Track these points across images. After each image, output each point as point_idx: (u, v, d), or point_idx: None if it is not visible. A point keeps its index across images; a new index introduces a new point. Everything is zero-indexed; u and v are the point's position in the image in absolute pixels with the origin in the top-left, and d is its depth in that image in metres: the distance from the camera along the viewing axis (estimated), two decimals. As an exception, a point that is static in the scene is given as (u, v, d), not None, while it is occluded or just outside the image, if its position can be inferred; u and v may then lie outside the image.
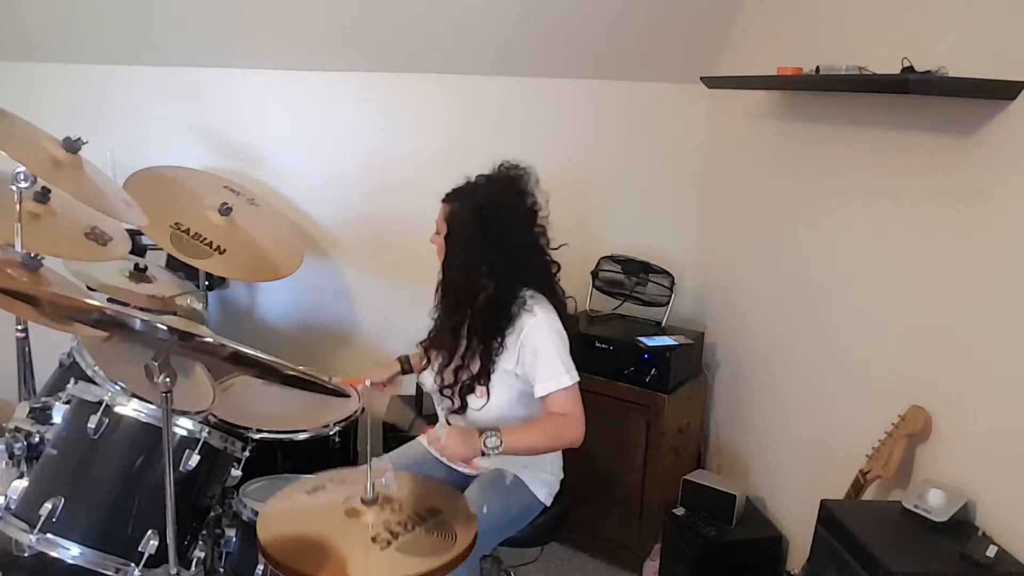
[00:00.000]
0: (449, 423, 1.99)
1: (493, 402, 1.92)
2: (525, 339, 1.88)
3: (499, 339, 1.90)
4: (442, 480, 2.05)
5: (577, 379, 1.89)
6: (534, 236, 1.96)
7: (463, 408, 1.94)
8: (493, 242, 1.87)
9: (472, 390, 1.93)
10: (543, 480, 2.03)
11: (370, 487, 1.50)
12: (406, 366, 2.21)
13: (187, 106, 3.04)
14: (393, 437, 2.53)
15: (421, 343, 2.10)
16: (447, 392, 1.97)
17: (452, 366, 1.97)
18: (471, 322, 1.93)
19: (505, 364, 1.91)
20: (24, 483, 1.84)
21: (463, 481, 2.04)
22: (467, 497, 1.78)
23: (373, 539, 1.43)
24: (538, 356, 1.86)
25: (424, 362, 2.09)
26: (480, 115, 3.04)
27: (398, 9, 2.74)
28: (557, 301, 1.97)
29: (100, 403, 1.83)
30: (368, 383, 2.14)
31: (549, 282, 1.99)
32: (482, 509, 1.83)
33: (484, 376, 1.91)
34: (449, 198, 1.95)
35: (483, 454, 1.78)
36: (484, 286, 1.90)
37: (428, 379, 2.06)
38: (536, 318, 1.89)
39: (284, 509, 1.57)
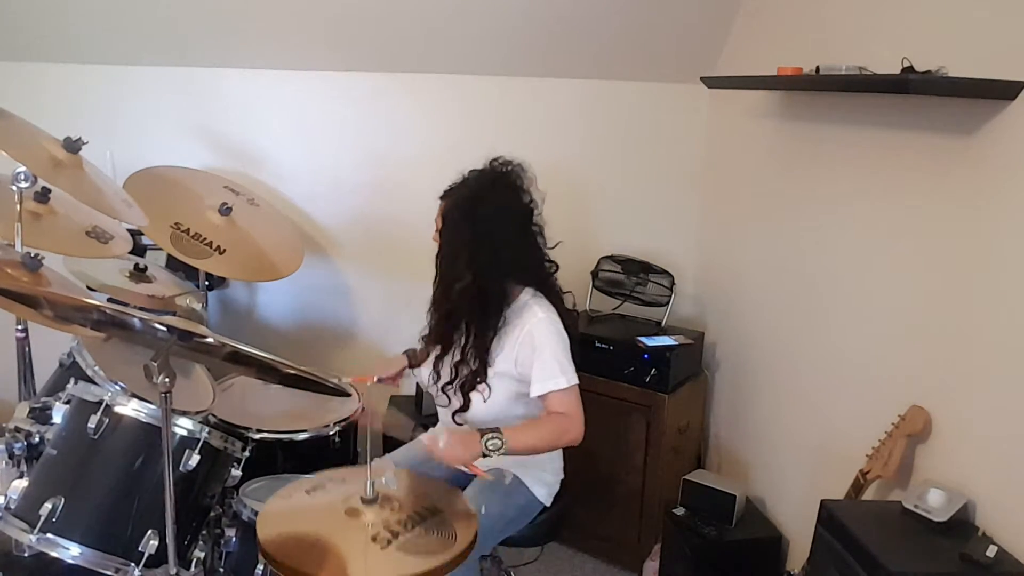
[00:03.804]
0: (456, 421, 1.97)
1: (491, 401, 1.92)
2: (525, 338, 1.87)
3: (491, 333, 1.89)
4: (442, 479, 2.06)
5: (575, 381, 1.88)
6: (528, 233, 1.95)
7: (467, 406, 1.93)
8: (477, 234, 1.87)
9: (474, 387, 1.91)
10: (543, 480, 2.03)
11: (370, 486, 1.50)
12: (413, 360, 2.20)
13: (187, 106, 3.04)
14: (393, 438, 2.53)
15: (422, 337, 2.11)
16: (448, 390, 1.96)
17: (451, 361, 1.96)
18: (468, 313, 1.92)
19: (503, 364, 1.90)
20: (24, 483, 1.84)
21: (464, 479, 2.04)
22: (466, 496, 1.78)
23: (373, 538, 1.42)
24: (535, 355, 1.86)
25: (423, 356, 2.09)
26: (480, 115, 3.04)
27: (398, 9, 2.74)
28: (557, 300, 1.97)
29: (100, 403, 1.83)
30: (376, 379, 2.14)
31: (547, 281, 1.99)
32: (480, 510, 1.81)
33: (482, 372, 1.90)
34: (445, 195, 1.95)
35: (484, 456, 1.77)
36: (460, 276, 1.89)
37: (424, 374, 2.06)
38: (537, 318, 1.88)
39: (284, 508, 1.57)
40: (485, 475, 1.81)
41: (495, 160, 1.95)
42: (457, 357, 1.94)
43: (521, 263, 1.94)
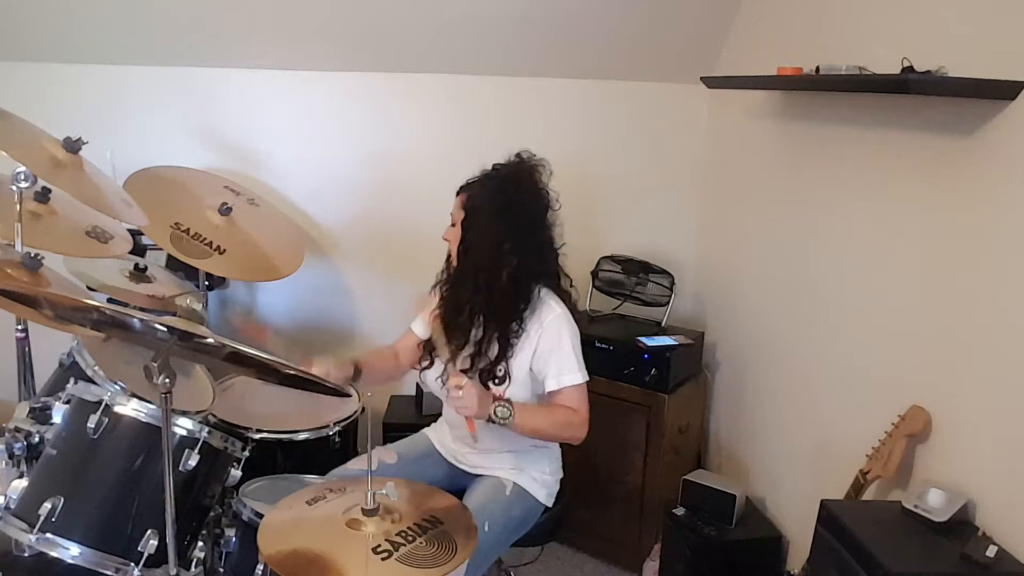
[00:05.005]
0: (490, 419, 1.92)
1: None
2: (545, 331, 1.88)
3: (517, 322, 1.89)
4: (442, 477, 2.05)
5: (587, 378, 1.90)
6: (548, 227, 1.95)
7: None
8: (515, 218, 1.87)
9: (492, 376, 1.90)
10: (542, 482, 2.02)
11: (370, 497, 1.49)
12: (359, 371, 2.04)
13: (187, 106, 3.04)
14: (394, 437, 2.53)
15: (421, 343, 2.08)
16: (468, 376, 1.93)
17: (466, 352, 1.95)
18: (489, 305, 1.90)
19: (522, 358, 1.89)
20: (24, 483, 1.83)
21: (462, 480, 2.04)
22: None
23: (374, 550, 1.42)
24: (555, 350, 1.87)
25: (425, 362, 2.07)
26: (480, 115, 3.04)
27: (398, 9, 2.74)
28: (567, 298, 1.97)
29: (100, 403, 1.83)
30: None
31: (559, 279, 1.99)
32: (484, 527, 1.79)
33: (502, 359, 1.89)
34: (465, 188, 1.94)
35: (491, 420, 1.77)
36: (508, 263, 1.88)
37: (430, 378, 2.05)
38: (555, 312, 1.89)
39: (285, 521, 1.56)
40: (474, 431, 1.81)
41: (522, 153, 1.95)
42: (474, 349, 1.93)
43: (546, 255, 1.94)
